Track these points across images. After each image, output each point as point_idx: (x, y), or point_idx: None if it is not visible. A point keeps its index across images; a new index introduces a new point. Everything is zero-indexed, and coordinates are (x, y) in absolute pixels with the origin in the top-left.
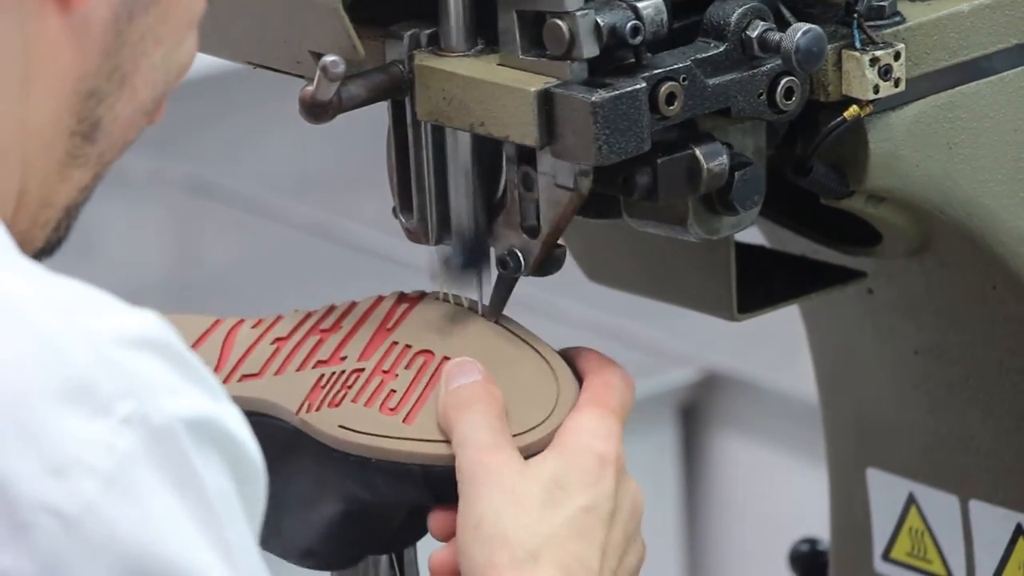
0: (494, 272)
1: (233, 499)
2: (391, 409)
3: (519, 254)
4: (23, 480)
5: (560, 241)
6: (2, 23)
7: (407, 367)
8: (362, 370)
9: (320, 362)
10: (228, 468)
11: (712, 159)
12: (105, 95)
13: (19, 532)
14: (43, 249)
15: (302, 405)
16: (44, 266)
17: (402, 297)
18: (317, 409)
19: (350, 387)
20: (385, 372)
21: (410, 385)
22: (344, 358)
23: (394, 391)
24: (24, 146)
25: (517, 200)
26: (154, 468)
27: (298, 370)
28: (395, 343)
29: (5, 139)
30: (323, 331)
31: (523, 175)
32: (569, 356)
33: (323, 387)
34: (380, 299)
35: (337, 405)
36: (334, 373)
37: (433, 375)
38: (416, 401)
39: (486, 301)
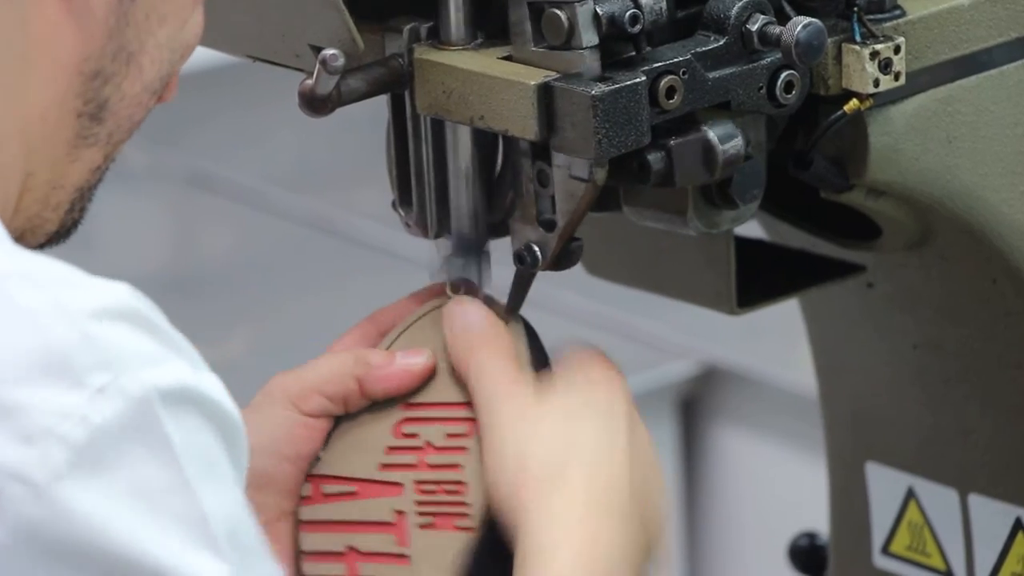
0: (495, 272)
1: (221, 461)
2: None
3: (536, 249)
4: None
5: (576, 235)
6: (0, 7)
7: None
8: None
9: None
10: (213, 431)
11: (727, 140)
12: (111, 75)
13: None
14: (58, 232)
15: None
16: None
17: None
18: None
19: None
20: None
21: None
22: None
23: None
24: (27, 130)
25: (532, 194)
26: (129, 439)
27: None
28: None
29: (7, 124)
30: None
31: (538, 171)
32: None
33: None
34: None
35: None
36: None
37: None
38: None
39: (486, 289)
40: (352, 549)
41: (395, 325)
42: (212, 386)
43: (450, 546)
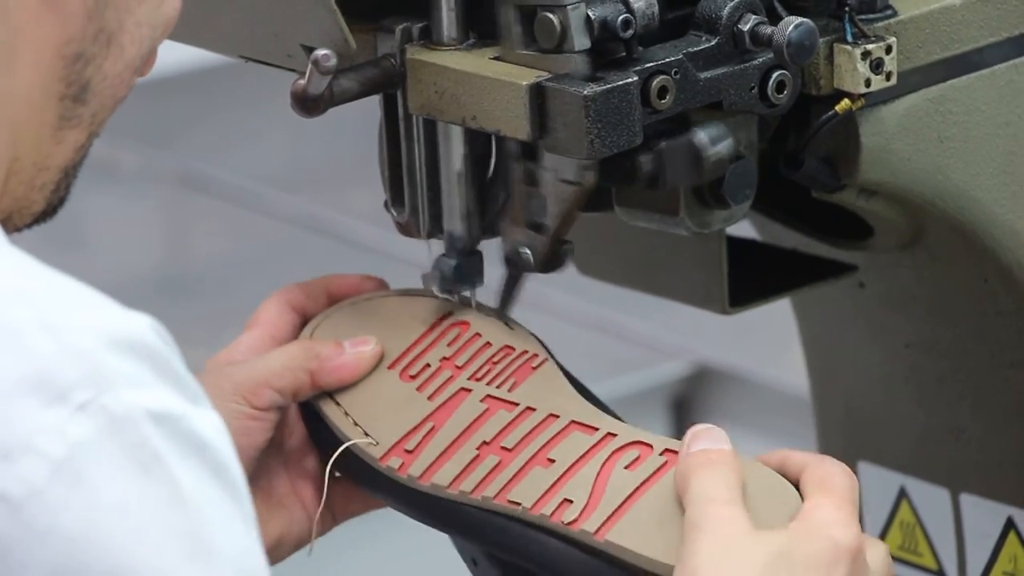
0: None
1: (212, 490)
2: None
3: (526, 251)
4: None
5: (568, 235)
6: None
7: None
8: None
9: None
10: (203, 465)
11: (716, 143)
12: (92, 57)
13: None
14: (44, 211)
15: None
16: (36, 258)
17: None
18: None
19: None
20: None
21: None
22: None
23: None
24: (12, 115)
25: (522, 197)
26: (110, 457)
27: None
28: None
29: None
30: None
31: (526, 171)
32: (772, 462)
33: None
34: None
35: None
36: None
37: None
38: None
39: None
40: (483, 443)
41: (304, 303)
42: (208, 425)
43: (545, 380)
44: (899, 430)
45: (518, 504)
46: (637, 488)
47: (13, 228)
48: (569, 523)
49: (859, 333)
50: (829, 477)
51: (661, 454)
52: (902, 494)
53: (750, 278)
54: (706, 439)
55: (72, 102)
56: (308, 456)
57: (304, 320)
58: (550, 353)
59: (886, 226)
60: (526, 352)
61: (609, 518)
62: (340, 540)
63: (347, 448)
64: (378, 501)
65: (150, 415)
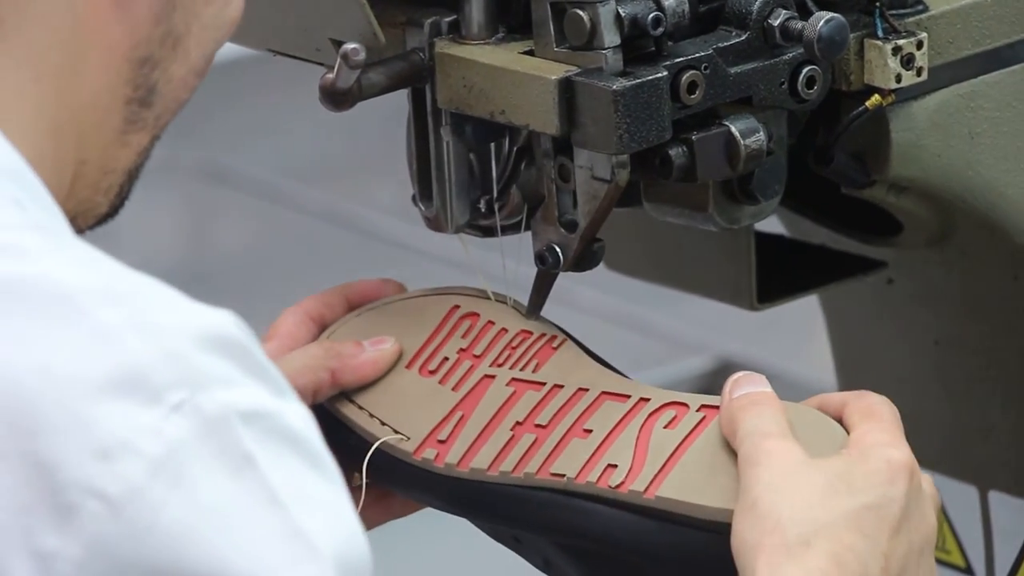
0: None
1: (310, 481)
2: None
3: (557, 250)
4: (69, 463)
5: (598, 235)
6: (52, 3)
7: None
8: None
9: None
10: (297, 459)
11: (749, 135)
12: (159, 60)
13: (65, 515)
14: (107, 214)
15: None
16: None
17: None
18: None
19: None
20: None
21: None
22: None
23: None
24: (80, 119)
25: (554, 194)
26: (206, 456)
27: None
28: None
29: (60, 115)
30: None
31: (559, 166)
32: (811, 405)
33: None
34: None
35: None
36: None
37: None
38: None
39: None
40: (517, 424)
41: (323, 312)
42: (296, 417)
43: (568, 358)
44: (927, 427)
45: (562, 476)
46: (680, 444)
47: (77, 230)
48: (616, 486)
49: (887, 330)
50: (873, 406)
51: (698, 410)
52: None
53: (778, 274)
54: (747, 384)
55: (138, 106)
56: None
57: (323, 331)
58: (568, 334)
59: (915, 222)
60: (544, 335)
61: (657, 475)
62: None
63: (377, 447)
64: (398, 509)
65: (241, 415)
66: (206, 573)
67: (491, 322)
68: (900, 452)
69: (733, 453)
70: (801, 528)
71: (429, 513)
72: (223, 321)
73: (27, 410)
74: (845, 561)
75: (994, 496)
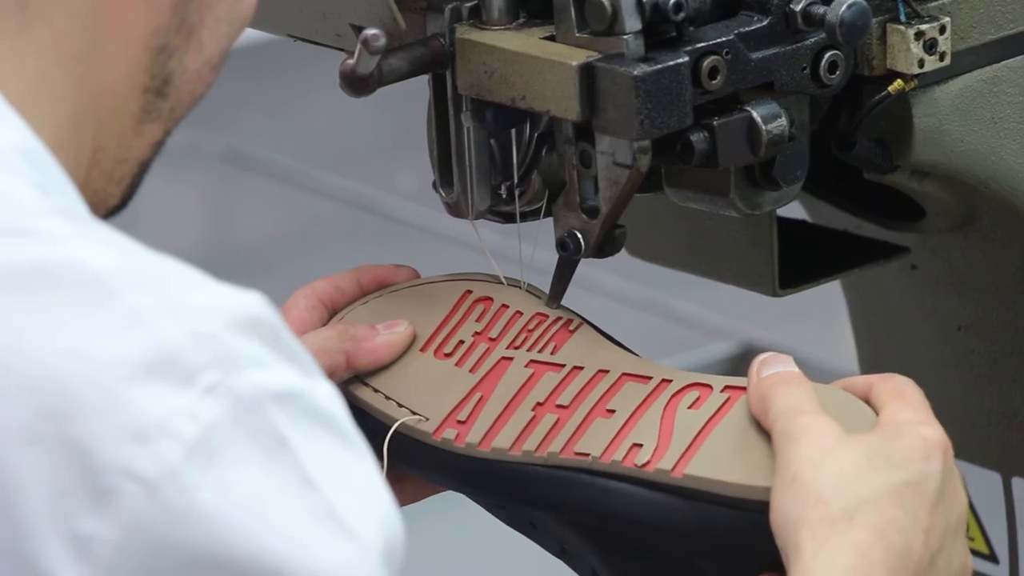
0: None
1: (344, 459)
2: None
3: (579, 236)
4: (105, 446)
5: (620, 221)
6: None
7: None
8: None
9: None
10: (329, 437)
11: (771, 120)
12: (175, 49)
13: (101, 498)
14: (118, 206)
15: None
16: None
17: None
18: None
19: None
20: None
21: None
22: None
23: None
24: (99, 106)
25: (575, 180)
26: (240, 438)
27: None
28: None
29: (80, 101)
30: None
31: (580, 152)
32: (844, 384)
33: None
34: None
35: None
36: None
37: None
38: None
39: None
40: (537, 404)
41: (334, 296)
42: (325, 395)
43: (586, 341)
44: (951, 413)
45: (587, 455)
46: (706, 423)
47: None
48: (643, 465)
49: (911, 315)
50: (900, 387)
51: (722, 391)
52: None
53: (800, 260)
54: (776, 363)
55: (154, 95)
56: None
57: (334, 315)
58: (583, 318)
59: (939, 207)
60: (560, 318)
61: (684, 454)
62: None
63: (395, 430)
64: (411, 494)
65: (274, 396)
66: (242, 555)
67: (505, 305)
68: (933, 430)
69: (762, 432)
70: (844, 502)
71: (441, 500)
72: (253, 302)
73: (62, 393)
74: (888, 535)
75: (1017, 482)
